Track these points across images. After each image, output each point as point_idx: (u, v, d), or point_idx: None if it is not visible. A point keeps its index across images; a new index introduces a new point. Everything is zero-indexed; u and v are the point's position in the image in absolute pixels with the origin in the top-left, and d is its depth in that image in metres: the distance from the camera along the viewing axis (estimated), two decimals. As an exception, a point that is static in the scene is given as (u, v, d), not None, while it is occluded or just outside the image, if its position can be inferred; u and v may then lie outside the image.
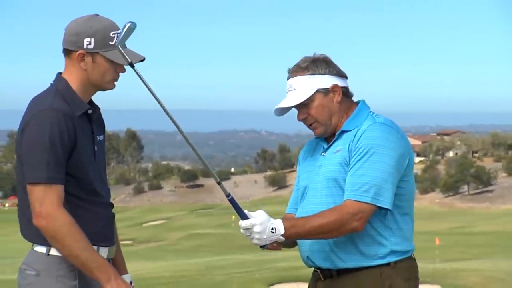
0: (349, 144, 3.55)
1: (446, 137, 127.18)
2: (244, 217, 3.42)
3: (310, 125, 3.66)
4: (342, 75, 3.66)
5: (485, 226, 62.17)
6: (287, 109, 3.67)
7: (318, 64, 3.62)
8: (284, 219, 3.48)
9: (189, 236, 61.35)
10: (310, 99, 3.60)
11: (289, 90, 3.64)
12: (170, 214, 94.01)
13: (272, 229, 3.40)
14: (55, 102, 3.32)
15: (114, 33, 3.40)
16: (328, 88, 3.60)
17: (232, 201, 3.45)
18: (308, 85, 3.60)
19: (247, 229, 3.40)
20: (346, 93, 3.66)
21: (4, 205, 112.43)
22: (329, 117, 3.62)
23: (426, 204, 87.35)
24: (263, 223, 3.39)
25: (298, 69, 3.63)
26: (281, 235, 3.41)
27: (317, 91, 3.60)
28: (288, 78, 3.66)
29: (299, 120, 3.67)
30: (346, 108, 3.65)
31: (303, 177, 3.74)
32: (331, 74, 3.62)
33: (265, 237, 3.39)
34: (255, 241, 3.41)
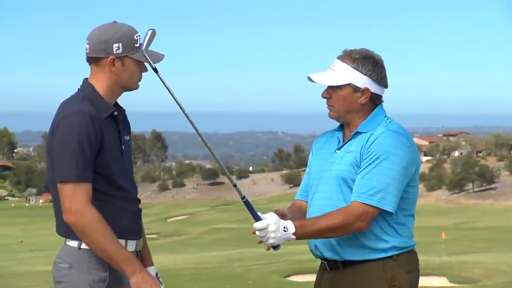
0: (362, 148, 3.53)
1: (451, 138, 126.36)
2: (257, 218, 3.40)
3: (328, 105, 3.63)
4: (381, 83, 3.60)
5: (488, 222, 61.75)
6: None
7: (366, 63, 3.56)
8: (292, 219, 3.46)
9: (210, 231, 61.34)
10: (339, 87, 3.57)
11: (330, 68, 3.60)
12: (193, 210, 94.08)
13: (284, 227, 3.40)
14: (83, 105, 3.34)
15: (137, 36, 3.43)
16: (360, 87, 3.56)
17: (246, 203, 3.45)
18: (346, 75, 3.55)
19: (262, 229, 3.38)
20: (374, 98, 3.60)
21: (38, 202, 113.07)
22: (346, 111, 3.59)
23: (433, 201, 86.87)
24: (276, 222, 3.38)
25: (348, 57, 3.58)
26: (292, 234, 3.40)
27: (350, 84, 3.56)
28: (338, 57, 3.61)
29: (322, 96, 3.64)
30: (366, 111, 3.60)
31: (315, 170, 3.71)
32: (370, 78, 3.56)
33: (279, 235, 3.38)
34: (271, 241, 3.39)
